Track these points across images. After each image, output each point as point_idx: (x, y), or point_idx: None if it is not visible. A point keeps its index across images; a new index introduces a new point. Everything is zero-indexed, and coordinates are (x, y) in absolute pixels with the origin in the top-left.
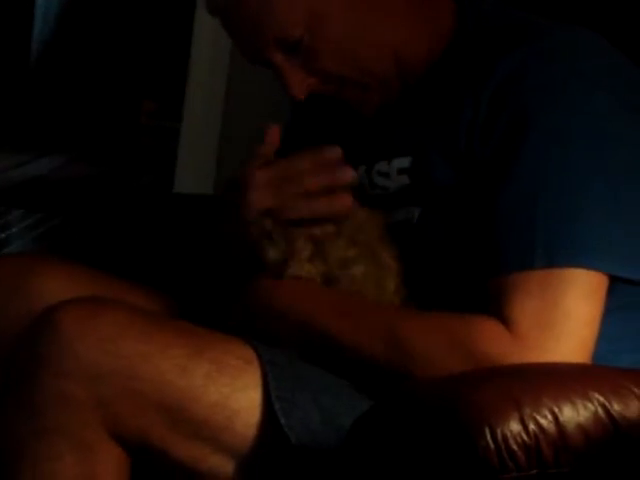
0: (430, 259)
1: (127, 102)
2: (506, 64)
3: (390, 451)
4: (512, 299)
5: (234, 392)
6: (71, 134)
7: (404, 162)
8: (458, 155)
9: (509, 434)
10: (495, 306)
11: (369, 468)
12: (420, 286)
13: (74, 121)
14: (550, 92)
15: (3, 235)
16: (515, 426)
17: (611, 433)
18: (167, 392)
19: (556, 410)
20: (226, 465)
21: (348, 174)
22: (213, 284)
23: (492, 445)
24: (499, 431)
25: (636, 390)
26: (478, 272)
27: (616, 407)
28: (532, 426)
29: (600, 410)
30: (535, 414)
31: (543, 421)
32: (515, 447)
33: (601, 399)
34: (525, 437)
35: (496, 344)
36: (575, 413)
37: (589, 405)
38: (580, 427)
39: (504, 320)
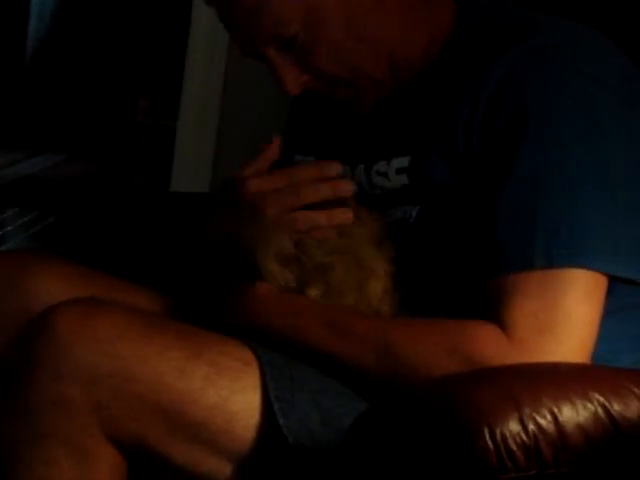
0: (426, 258)
1: (123, 100)
2: (505, 63)
3: (389, 451)
4: (511, 301)
5: (233, 394)
6: (66, 132)
7: (403, 162)
8: (456, 155)
9: (508, 434)
10: (493, 309)
11: (368, 468)
12: (416, 285)
13: (69, 119)
14: (549, 92)
15: None
16: (514, 426)
17: (611, 433)
18: (165, 395)
19: (555, 410)
20: (224, 467)
21: (348, 188)
22: (207, 283)
23: (491, 445)
24: (498, 431)
25: (636, 390)
26: (476, 273)
27: (616, 407)
28: (531, 426)
29: (600, 410)
30: (534, 414)
31: (542, 421)
32: (514, 447)
33: (601, 399)
34: (524, 437)
35: (494, 349)
36: (575, 413)
37: (589, 405)
38: (580, 427)
39: (502, 323)
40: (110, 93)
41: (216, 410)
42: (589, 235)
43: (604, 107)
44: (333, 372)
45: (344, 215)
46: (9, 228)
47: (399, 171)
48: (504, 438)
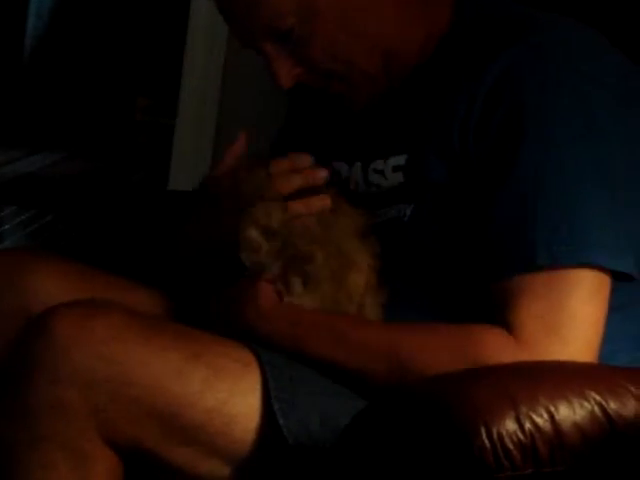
0: (420, 257)
1: (121, 98)
2: (503, 60)
3: (385, 450)
4: (517, 303)
5: (231, 397)
6: (65, 130)
7: (400, 160)
8: (452, 153)
9: (505, 433)
10: (499, 311)
11: (365, 467)
12: (408, 284)
13: (68, 117)
14: (546, 91)
15: None
16: (511, 425)
17: (607, 432)
18: (162, 398)
19: (552, 409)
20: (223, 469)
21: (321, 175)
22: (198, 283)
23: (488, 444)
24: (495, 430)
25: (632, 389)
26: (473, 273)
27: (612, 406)
28: (528, 425)
29: (596, 409)
30: (531, 413)
31: (539, 420)
32: (511, 446)
33: (597, 398)
34: (521, 436)
35: (503, 353)
36: (571, 412)
37: (585, 404)
38: (576, 426)
39: (509, 326)
40: (108, 91)
41: (214, 413)
42: (589, 231)
43: (601, 105)
44: (337, 378)
45: (321, 202)
46: (7, 226)
47: (395, 169)
48: (501, 437)
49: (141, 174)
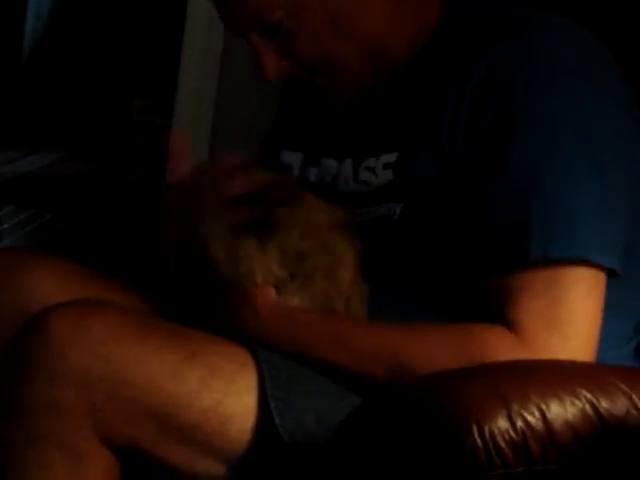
0: (410, 256)
1: (118, 99)
2: (490, 56)
3: (378, 448)
4: (516, 301)
5: (227, 397)
6: (63, 131)
7: (391, 157)
8: (441, 151)
9: (496, 431)
10: (498, 310)
11: (357, 465)
12: (397, 282)
13: (66, 118)
14: (535, 87)
15: None
16: (502, 423)
17: (598, 430)
18: (158, 398)
19: (544, 407)
20: (220, 468)
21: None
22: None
23: (479, 442)
24: (486, 428)
25: (623, 387)
26: (466, 271)
27: (604, 404)
28: (520, 423)
29: (588, 407)
30: (523, 411)
31: (531, 418)
32: (502, 444)
33: (588, 396)
34: (512, 434)
35: (505, 352)
36: (563, 410)
37: (577, 402)
38: (568, 424)
39: (509, 324)
40: (105, 92)
41: (210, 413)
42: (580, 227)
43: (589, 99)
44: (336, 378)
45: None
46: (6, 225)
47: (386, 166)
48: (492, 435)
49: (137, 174)
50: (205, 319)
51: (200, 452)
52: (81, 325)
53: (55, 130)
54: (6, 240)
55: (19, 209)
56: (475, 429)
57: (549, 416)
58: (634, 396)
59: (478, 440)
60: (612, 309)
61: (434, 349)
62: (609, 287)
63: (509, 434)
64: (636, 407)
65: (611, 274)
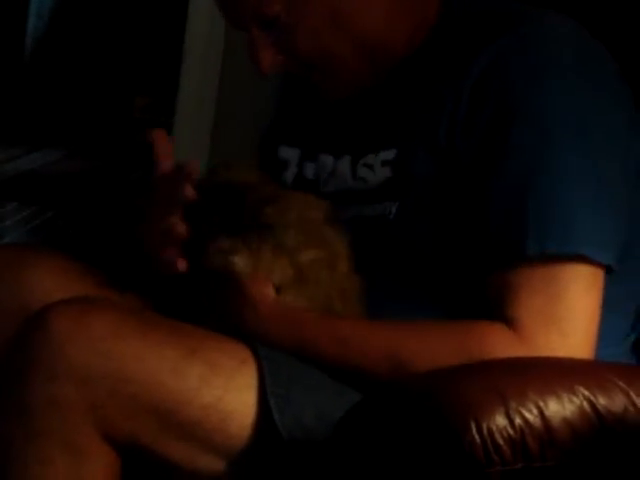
0: (406, 255)
1: (120, 97)
2: (489, 53)
3: (377, 445)
4: (515, 298)
5: (227, 393)
6: (64, 129)
7: (389, 154)
8: (439, 149)
9: (494, 428)
10: (497, 307)
11: (356, 462)
12: (395, 282)
13: (67, 116)
14: (533, 82)
15: None
16: (501, 420)
17: (596, 427)
18: (159, 395)
19: (542, 404)
20: (220, 464)
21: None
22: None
23: (478, 439)
24: (485, 425)
25: (621, 384)
26: (466, 270)
27: (601, 401)
28: (518, 420)
29: (585, 404)
30: (521, 408)
31: (529, 415)
32: (501, 441)
33: (586, 393)
34: (511, 431)
35: (505, 349)
36: (561, 407)
37: (574, 399)
38: (566, 421)
39: (508, 321)
40: (108, 90)
41: (211, 409)
42: (576, 223)
43: (589, 97)
44: (337, 375)
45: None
46: (8, 222)
47: (384, 163)
48: (491, 432)
49: (139, 172)
50: (204, 317)
51: (200, 448)
52: (81, 322)
53: (57, 128)
54: (8, 237)
55: (21, 206)
56: (473, 426)
57: (547, 413)
58: (632, 393)
59: (476, 437)
60: (610, 306)
61: (434, 346)
62: (607, 284)
63: (507, 431)
64: (634, 404)
65: (608, 270)
